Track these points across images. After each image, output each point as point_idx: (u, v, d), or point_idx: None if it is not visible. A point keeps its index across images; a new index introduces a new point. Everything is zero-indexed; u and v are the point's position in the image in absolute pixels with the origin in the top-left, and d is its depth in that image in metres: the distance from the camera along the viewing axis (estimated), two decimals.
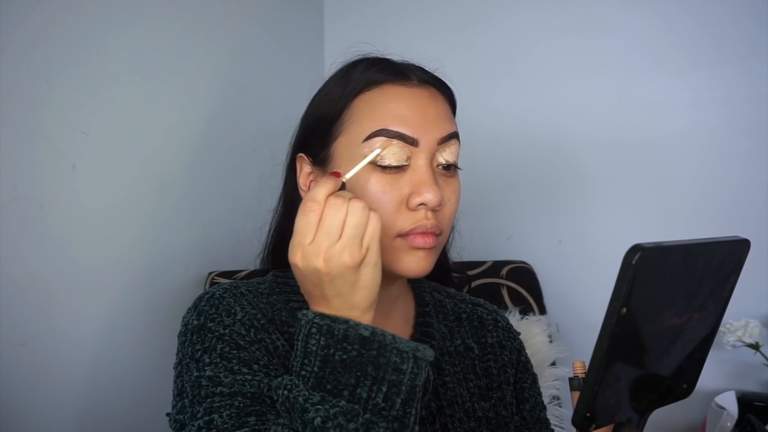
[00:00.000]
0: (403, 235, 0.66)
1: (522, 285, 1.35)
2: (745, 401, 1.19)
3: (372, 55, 0.74)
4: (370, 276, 0.58)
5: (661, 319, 0.51)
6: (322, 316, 0.57)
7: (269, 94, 1.53)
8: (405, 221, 0.66)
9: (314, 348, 0.56)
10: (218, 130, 1.37)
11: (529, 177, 1.53)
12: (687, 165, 1.39)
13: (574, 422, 0.52)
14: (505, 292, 1.33)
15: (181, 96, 1.28)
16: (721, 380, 1.32)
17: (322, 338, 0.56)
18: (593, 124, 1.47)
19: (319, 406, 0.54)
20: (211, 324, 0.65)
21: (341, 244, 0.56)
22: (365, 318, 0.58)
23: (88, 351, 1.11)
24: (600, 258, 1.47)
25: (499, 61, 1.54)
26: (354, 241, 0.56)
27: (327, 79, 0.74)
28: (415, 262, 0.66)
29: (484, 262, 1.36)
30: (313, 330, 0.57)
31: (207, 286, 1.24)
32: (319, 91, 0.74)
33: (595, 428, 0.52)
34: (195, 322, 0.66)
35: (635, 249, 0.47)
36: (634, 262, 0.46)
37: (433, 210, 0.66)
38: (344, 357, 0.55)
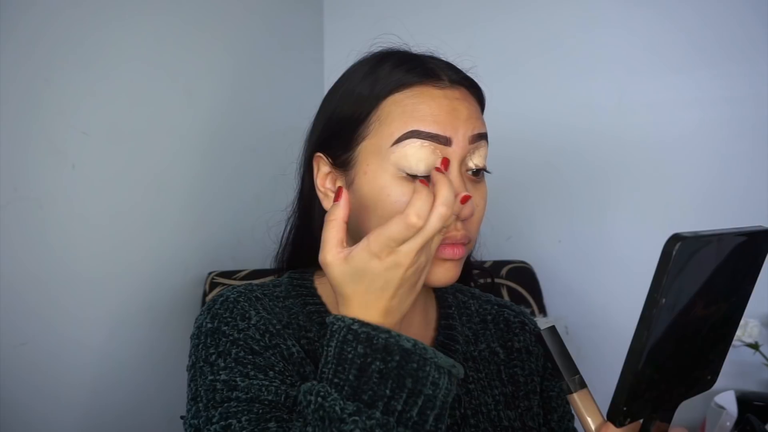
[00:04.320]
0: None
1: (522, 285, 1.35)
2: (744, 401, 1.19)
3: (396, 48, 0.70)
4: (422, 281, 0.58)
5: (693, 309, 0.50)
6: (362, 323, 0.56)
7: (269, 93, 1.53)
8: None
9: (350, 356, 0.55)
10: (218, 129, 1.37)
11: (529, 177, 1.53)
12: (689, 164, 1.39)
13: (609, 418, 0.51)
14: (505, 292, 1.33)
15: (181, 96, 1.28)
16: (720, 380, 1.29)
17: (360, 346, 0.55)
18: (594, 124, 1.47)
19: (356, 417, 0.53)
20: (226, 328, 0.63)
21: (425, 248, 0.56)
22: (395, 324, 0.58)
23: (88, 351, 1.10)
24: (600, 258, 1.47)
25: (499, 59, 1.54)
26: (430, 246, 0.57)
27: (348, 73, 0.70)
28: (443, 273, 0.64)
29: (483, 262, 1.36)
30: (350, 337, 0.55)
31: (207, 286, 1.24)
32: (339, 87, 0.69)
33: (630, 422, 0.52)
34: (209, 325, 0.64)
35: (675, 238, 0.45)
36: (674, 252, 0.45)
37: (463, 220, 0.64)
38: (382, 367, 0.54)
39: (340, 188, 0.62)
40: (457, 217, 0.63)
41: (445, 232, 0.59)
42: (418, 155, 0.62)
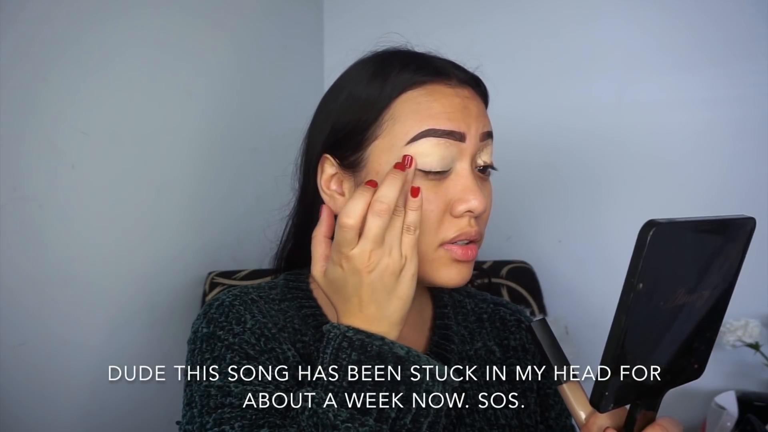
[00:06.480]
0: (446, 244, 0.64)
1: (522, 285, 1.35)
2: (745, 401, 1.19)
3: (400, 48, 0.70)
4: (406, 286, 0.58)
5: (674, 296, 0.51)
6: (356, 330, 0.56)
7: (269, 92, 1.53)
8: (449, 229, 0.64)
9: (344, 362, 0.55)
10: (218, 129, 1.37)
11: (529, 177, 1.52)
12: (690, 164, 1.39)
13: (592, 402, 0.52)
14: (505, 292, 1.33)
15: (181, 95, 1.28)
16: (721, 380, 1.32)
17: (354, 353, 0.55)
18: (594, 123, 1.46)
19: (348, 424, 0.53)
20: (221, 332, 0.63)
21: (384, 249, 0.57)
22: (393, 333, 0.58)
23: (87, 351, 1.10)
24: (600, 258, 1.47)
25: (499, 58, 1.53)
26: (395, 246, 0.58)
27: (350, 74, 0.69)
28: (457, 274, 0.65)
29: (483, 262, 1.35)
30: (344, 344, 0.56)
31: (207, 286, 1.23)
32: (341, 89, 0.69)
33: (613, 408, 0.52)
34: (204, 330, 0.64)
35: (650, 224, 0.47)
36: (649, 237, 0.46)
37: (476, 216, 0.64)
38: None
39: (321, 206, 0.66)
40: (472, 213, 0.64)
41: (418, 229, 0.60)
42: (433, 152, 0.63)
